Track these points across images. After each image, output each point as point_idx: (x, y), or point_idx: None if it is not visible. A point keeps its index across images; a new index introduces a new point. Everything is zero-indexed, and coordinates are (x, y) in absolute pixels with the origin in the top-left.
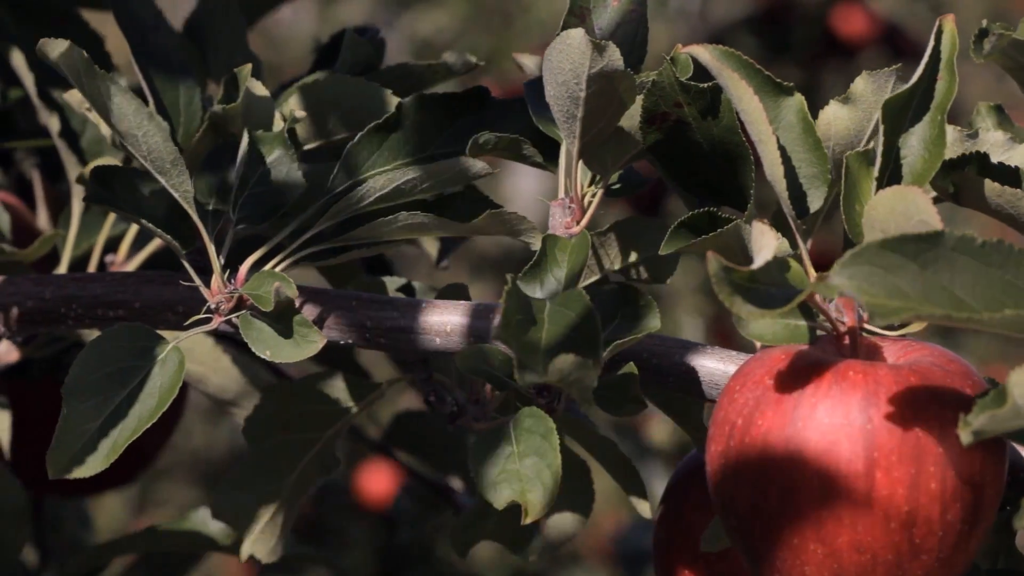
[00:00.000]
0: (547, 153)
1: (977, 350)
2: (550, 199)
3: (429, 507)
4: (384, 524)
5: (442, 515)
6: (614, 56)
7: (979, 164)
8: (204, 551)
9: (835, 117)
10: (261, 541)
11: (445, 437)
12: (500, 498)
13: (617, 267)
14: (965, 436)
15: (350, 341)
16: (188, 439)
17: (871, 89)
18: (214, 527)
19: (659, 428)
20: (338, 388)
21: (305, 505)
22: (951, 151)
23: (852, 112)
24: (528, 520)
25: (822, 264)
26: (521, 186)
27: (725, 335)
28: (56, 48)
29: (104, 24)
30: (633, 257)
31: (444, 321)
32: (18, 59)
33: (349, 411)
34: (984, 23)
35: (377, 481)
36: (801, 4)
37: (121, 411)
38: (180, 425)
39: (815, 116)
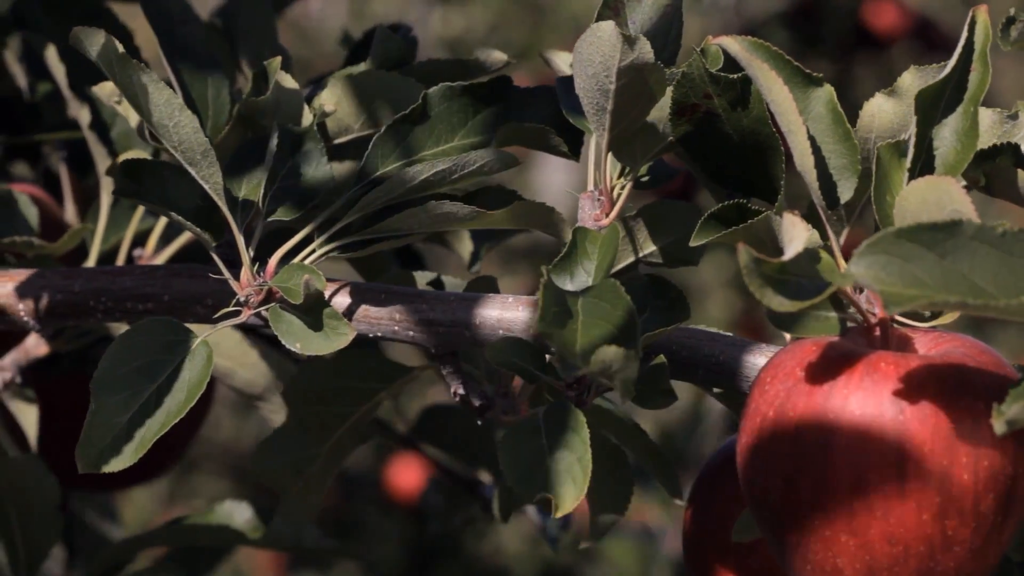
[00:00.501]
0: (573, 143)
1: (1008, 342)
2: (579, 192)
3: (457, 501)
4: (414, 519)
5: (470, 509)
6: (644, 49)
7: (1011, 154)
8: (230, 544)
9: (879, 110)
10: (298, 501)
11: (473, 431)
12: (530, 492)
13: (647, 251)
14: (999, 426)
15: (379, 334)
16: (216, 432)
17: (917, 84)
18: (240, 520)
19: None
20: (372, 368)
21: (335, 499)
22: (988, 135)
23: (897, 105)
24: (558, 514)
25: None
26: (549, 180)
27: (754, 329)
28: (90, 37)
29: (133, 18)
30: (662, 240)
31: (474, 314)
32: (50, 52)
33: (383, 389)
34: (1012, 11)
35: (407, 476)
36: None
37: (150, 405)
38: (208, 418)
39: (850, 110)
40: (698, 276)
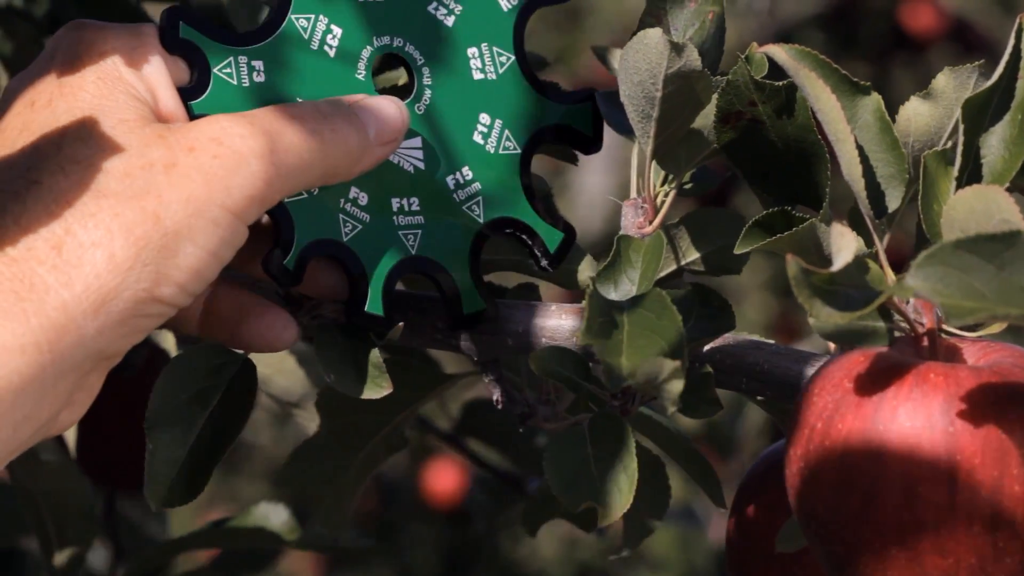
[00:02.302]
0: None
1: None
2: (621, 199)
3: (501, 499)
4: (451, 522)
5: (515, 507)
6: (692, 56)
7: None
8: (267, 546)
9: (915, 113)
10: (330, 511)
11: (516, 427)
12: (576, 502)
13: (690, 259)
14: None
15: (421, 342)
16: (257, 436)
17: (952, 86)
18: (276, 522)
19: None
20: (410, 376)
21: (373, 503)
22: None
23: (933, 109)
24: (604, 523)
25: (895, 260)
26: (588, 181)
27: (790, 332)
28: None
29: None
30: (706, 248)
31: (516, 321)
32: None
33: (420, 398)
34: None
35: (444, 479)
36: (870, 0)
37: (206, 434)
38: (249, 422)
39: (890, 113)
40: (734, 279)
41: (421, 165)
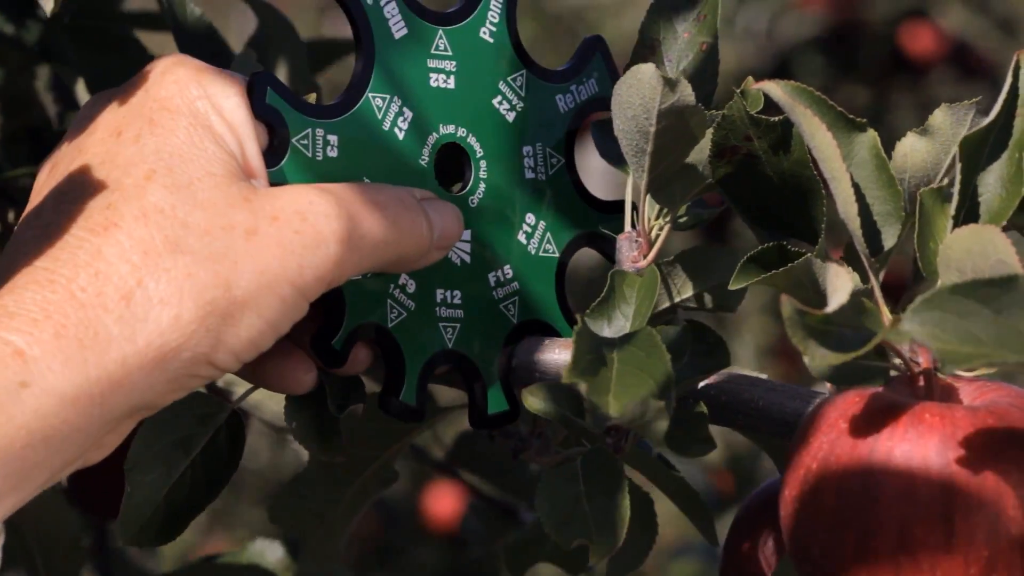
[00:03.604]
0: None
1: None
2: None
3: (494, 527)
4: (451, 546)
5: (508, 535)
6: (685, 91)
7: None
8: None
9: (912, 149)
10: (320, 546)
11: (510, 458)
12: (568, 539)
13: (685, 296)
14: None
15: None
16: (255, 460)
17: (949, 122)
18: (272, 559)
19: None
20: None
21: (373, 527)
22: None
23: (930, 145)
24: (594, 561)
25: (895, 284)
26: (593, 163)
27: (790, 355)
28: None
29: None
30: (700, 286)
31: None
32: (79, 85)
33: (410, 431)
34: None
35: (444, 504)
36: (869, 23)
37: (185, 481)
38: (248, 447)
39: (887, 135)
40: None
41: (468, 259)
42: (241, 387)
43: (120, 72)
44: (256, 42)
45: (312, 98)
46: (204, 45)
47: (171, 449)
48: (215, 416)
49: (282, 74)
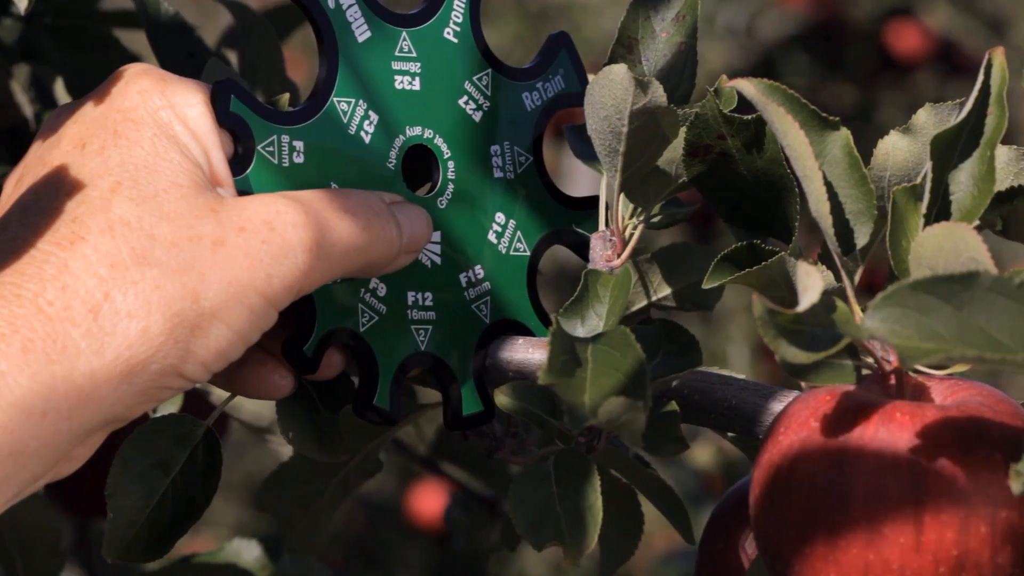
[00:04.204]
0: None
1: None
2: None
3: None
4: (437, 544)
5: (491, 528)
6: (657, 92)
7: None
8: None
9: (894, 148)
10: (305, 535)
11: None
12: (540, 540)
13: (661, 295)
14: (1016, 486)
15: None
16: (239, 460)
17: (932, 122)
18: (249, 558)
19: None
20: None
21: (358, 526)
22: (1003, 173)
23: (911, 144)
24: (568, 563)
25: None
26: (579, 166)
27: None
28: None
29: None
30: (678, 284)
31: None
32: (58, 84)
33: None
34: None
35: (429, 501)
36: (854, 20)
37: (167, 502)
38: (231, 447)
39: (873, 133)
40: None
41: (438, 260)
42: (243, 407)
43: (99, 71)
44: (230, 40)
45: (286, 98)
46: (178, 43)
47: (150, 470)
48: (191, 435)
49: (258, 75)
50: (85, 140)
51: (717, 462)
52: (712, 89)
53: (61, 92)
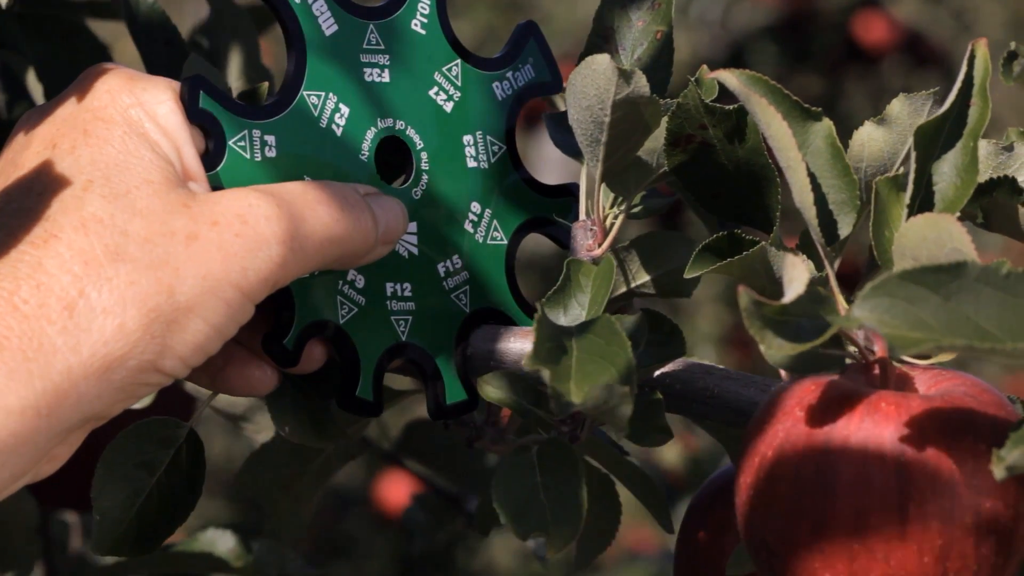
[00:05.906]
0: None
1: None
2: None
3: (442, 517)
4: (404, 534)
5: (455, 524)
6: (640, 82)
7: (1009, 188)
8: (213, 573)
9: (869, 139)
10: (286, 516)
11: (457, 447)
12: (525, 530)
13: (640, 281)
14: (998, 472)
15: None
16: (208, 450)
17: (907, 112)
18: (223, 548)
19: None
20: None
21: (326, 516)
22: (983, 167)
23: (887, 134)
24: (551, 554)
25: (851, 274)
26: (550, 153)
27: (744, 344)
28: None
29: (117, 38)
30: (655, 271)
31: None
32: (29, 74)
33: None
34: (1013, 45)
35: (396, 491)
36: (823, 12)
37: (152, 503)
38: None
39: (840, 123)
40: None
41: (415, 251)
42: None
43: (71, 61)
44: (207, 30)
45: (264, 88)
46: (157, 34)
47: (134, 471)
48: (174, 436)
49: (235, 63)
50: (56, 140)
51: (683, 459)
52: (694, 79)
53: (33, 82)
